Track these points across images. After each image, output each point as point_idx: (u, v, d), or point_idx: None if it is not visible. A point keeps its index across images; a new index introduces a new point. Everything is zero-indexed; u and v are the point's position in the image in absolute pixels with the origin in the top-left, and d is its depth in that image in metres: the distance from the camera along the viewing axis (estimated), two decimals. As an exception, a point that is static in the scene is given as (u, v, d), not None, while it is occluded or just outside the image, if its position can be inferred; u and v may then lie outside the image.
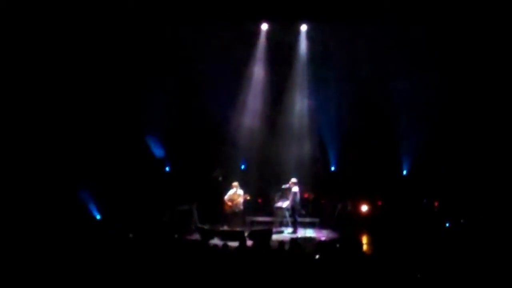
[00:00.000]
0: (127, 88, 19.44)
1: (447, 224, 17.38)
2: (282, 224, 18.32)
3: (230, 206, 17.71)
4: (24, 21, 17.34)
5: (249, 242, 13.41)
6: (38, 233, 13.38)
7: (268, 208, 19.54)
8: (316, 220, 19.10)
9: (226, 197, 17.83)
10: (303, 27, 20.78)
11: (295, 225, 17.81)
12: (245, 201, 17.93)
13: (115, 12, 18.09)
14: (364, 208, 19.45)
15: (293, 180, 17.97)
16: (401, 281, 8.51)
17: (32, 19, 17.41)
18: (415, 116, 19.38)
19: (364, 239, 16.42)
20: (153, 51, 19.39)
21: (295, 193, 17.81)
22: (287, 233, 17.62)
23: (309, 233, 17.59)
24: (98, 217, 17.98)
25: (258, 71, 21.04)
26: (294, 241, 10.95)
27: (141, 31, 18.94)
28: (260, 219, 19.15)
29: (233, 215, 17.70)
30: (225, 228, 17.14)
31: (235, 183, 17.96)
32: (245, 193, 17.89)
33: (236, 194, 17.79)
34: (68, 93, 18.35)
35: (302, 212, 18.42)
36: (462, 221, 17.50)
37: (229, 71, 20.12)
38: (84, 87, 18.65)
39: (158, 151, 20.67)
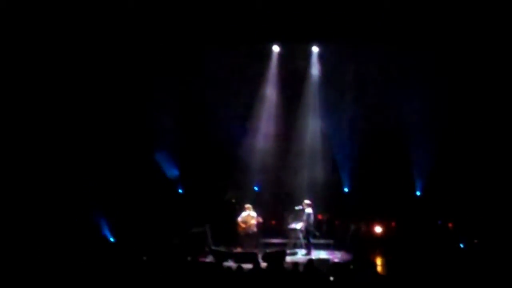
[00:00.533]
0: (141, 109, 19.57)
1: (461, 245, 17.26)
2: (296, 245, 18.26)
3: (244, 228, 17.71)
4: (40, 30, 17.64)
5: (263, 264, 13.44)
6: (52, 255, 13.42)
7: (281, 230, 19.51)
8: (330, 241, 19.06)
9: (239, 219, 17.83)
10: (315, 49, 20.88)
11: (309, 247, 17.78)
12: (259, 223, 17.92)
13: (129, 29, 18.28)
14: (378, 229, 19.39)
15: (306, 201, 17.96)
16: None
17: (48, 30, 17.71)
18: (427, 137, 19.34)
19: (378, 260, 16.36)
20: (167, 72, 19.51)
21: (308, 214, 17.79)
22: (301, 255, 17.57)
23: (323, 254, 17.53)
24: (112, 239, 18.01)
25: (271, 93, 21.12)
26: (309, 262, 10.90)
27: (156, 50, 19.09)
28: (274, 241, 19.14)
29: (246, 237, 17.68)
30: (239, 250, 17.12)
31: (248, 205, 17.97)
32: (258, 215, 17.90)
33: (249, 216, 17.79)
34: (81, 112, 18.52)
35: (316, 234, 18.37)
36: (476, 241, 17.40)
37: (242, 93, 20.32)
38: (98, 104, 18.80)
39: (171, 172, 20.72)
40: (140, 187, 19.25)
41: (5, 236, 15.31)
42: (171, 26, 18.41)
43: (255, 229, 17.84)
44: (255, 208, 18.04)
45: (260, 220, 17.92)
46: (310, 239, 17.91)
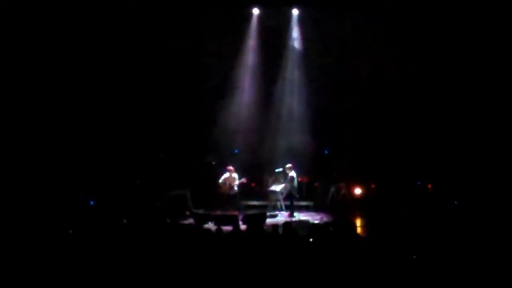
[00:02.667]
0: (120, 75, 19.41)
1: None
2: (276, 207, 18.31)
3: (225, 190, 17.70)
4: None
5: (243, 226, 13.45)
6: (30, 220, 13.31)
7: (261, 192, 19.56)
8: (310, 203, 19.16)
9: (220, 181, 17.82)
10: (295, 11, 20.72)
11: (291, 209, 17.83)
12: (242, 184, 17.93)
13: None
14: (358, 191, 19.47)
15: (289, 165, 17.97)
16: (396, 262, 8.50)
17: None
18: (407, 97, 19.41)
19: (358, 222, 16.45)
20: (143, 38, 19.35)
21: (292, 177, 17.81)
22: (281, 217, 17.62)
23: (303, 216, 17.60)
24: (92, 203, 17.90)
25: (251, 57, 20.97)
26: (287, 224, 10.90)
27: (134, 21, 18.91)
28: (254, 203, 19.18)
29: (227, 199, 17.70)
30: (219, 212, 17.13)
31: (230, 167, 17.93)
32: (240, 177, 17.88)
33: (231, 177, 17.78)
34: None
35: (296, 196, 18.41)
36: (456, 202, 17.52)
37: (222, 57, 20.15)
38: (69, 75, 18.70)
39: None
40: (120, 150, 19.16)
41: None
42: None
43: (236, 191, 17.85)
44: (236, 170, 18.02)
45: (245, 181, 17.94)
46: (293, 201, 17.97)
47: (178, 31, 19.49)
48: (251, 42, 20.88)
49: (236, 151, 20.54)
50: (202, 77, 20.14)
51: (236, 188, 17.82)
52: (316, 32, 20.05)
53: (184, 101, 20.27)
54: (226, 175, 17.85)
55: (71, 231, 11.05)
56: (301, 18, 20.80)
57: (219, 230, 10.99)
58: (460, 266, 8.44)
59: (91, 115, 18.95)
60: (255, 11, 20.71)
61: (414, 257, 8.75)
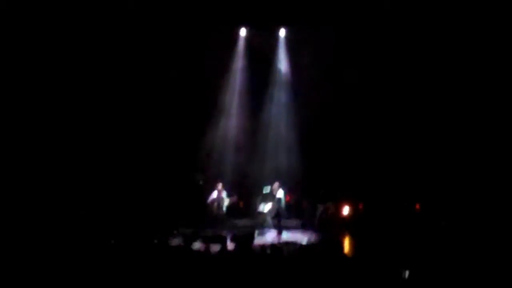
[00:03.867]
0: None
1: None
2: (264, 227, 18.31)
3: (213, 208, 17.68)
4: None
5: (231, 246, 13.43)
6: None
7: (249, 212, 19.56)
8: (298, 222, 19.18)
9: (209, 200, 17.81)
10: (282, 32, 20.85)
11: (279, 228, 17.84)
12: (233, 203, 17.94)
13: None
14: (346, 210, 19.49)
15: (276, 184, 18.02)
16: (383, 283, 8.54)
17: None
18: (395, 117, 19.58)
19: (346, 242, 16.48)
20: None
21: (279, 198, 17.85)
22: (269, 236, 17.61)
23: (290, 236, 17.60)
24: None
25: (238, 78, 21.12)
26: (275, 245, 10.93)
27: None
28: (242, 222, 19.17)
29: (215, 218, 17.67)
30: (207, 232, 17.10)
31: (219, 185, 17.94)
32: (230, 195, 17.89)
33: (219, 196, 17.79)
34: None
35: (284, 215, 18.42)
36: (443, 223, 17.60)
37: (209, 78, 20.23)
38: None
39: None
40: (108, 167, 19.18)
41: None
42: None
43: (224, 209, 17.84)
44: (224, 188, 18.05)
45: (235, 199, 17.94)
46: (280, 221, 17.99)
47: (166, 52, 19.53)
48: (239, 63, 20.99)
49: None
50: (188, 97, 20.10)
51: (224, 207, 17.82)
52: (303, 52, 20.15)
53: (172, 121, 20.23)
54: (215, 194, 17.86)
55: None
56: (288, 39, 20.93)
57: (207, 249, 10.99)
58: (449, 285, 8.50)
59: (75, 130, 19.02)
60: (242, 32, 20.83)
61: (403, 275, 8.79)
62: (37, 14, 17.60)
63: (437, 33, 18.69)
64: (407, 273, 8.68)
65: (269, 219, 18.14)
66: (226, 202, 17.74)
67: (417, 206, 19.34)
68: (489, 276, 8.97)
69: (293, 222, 19.24)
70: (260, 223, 18.34)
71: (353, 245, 15.95)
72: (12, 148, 17.54)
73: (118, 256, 10.43)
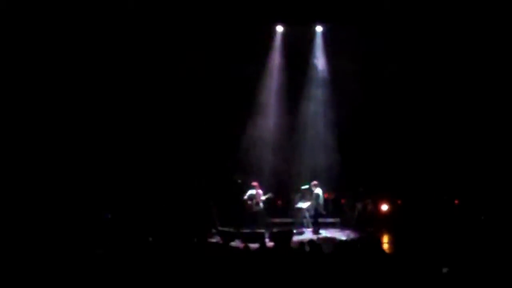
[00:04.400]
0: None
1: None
2: (302, 224, 18.32)
3: (250, 205, 17.73)
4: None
5: (270, 244, 13.47)
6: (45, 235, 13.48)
7: (288, 210, 19.59)
8: (337, 220, 19.15)
9: (245, 197, 17.86)
10: (319, 29, 20.79)
11: (317, 226, 17.83)
12: (267, 201, 17.94)
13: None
14: (385, 207, 19.42)
15: (314, 182, 18.00)
16: (423, 279, 8.47)
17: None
18: (431, 112, 19.43)
19: (385, 238, 16.40)
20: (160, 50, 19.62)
21: (317, 195, 17.83)
22: (308, 234, 17.62)
23: (329, 233, 17.59)
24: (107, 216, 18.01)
25: (276, 75, 21.07)
26: (314, 242, 10.92)
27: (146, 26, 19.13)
28: (280, 220, 19.20)
29: (253, 215, 17.71)
30: (246, 230, 17.16)
31: (255, 183, 17.99)
32: (266, 193, 17.91)
33: (256, 193, 17.81)
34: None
35: (323, 213, 18.40)
36: (483, 217, 17.41)
37: (248, 76, 20.24)
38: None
39: None
40: (146, 165, 19.40)
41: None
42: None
43: (261, 206, 17.87)
44: (261, 187, 18.08)
45: (272, 195, 17.94)
46: (317, 218, 17.98)
47: (204, 51, 19.60)
48: (276, 60, 20.99)
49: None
50: (229, 96, 20.17)
51: (261, 204, 17.85)
52: (340, 49, 20.06)
53: (212, 121, 20.33)
54: (252, 191, 17.91)
55: (98, 250, 11.14)
56: (325, 35, 20.87)
57: (246, 247, 11.03)
58: (488, 281, 8.40)
59: (119, 128, 19.33)
60: (279, 28, 20.81)
61: (443, 272, 8.71)
62: (38, 13, 17.72)
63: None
64: (446, 269, 8.60)
65: (307, 216, 18.14)
66: (262, 198, 17.74)
67: (456, 201, 19.16)
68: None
69: (332, 219, 19.20)
70: (299, 221, 18.37)
71: (392, 241, 15.88)
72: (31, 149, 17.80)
73: (157, 254, 10.52)
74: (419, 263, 9.21)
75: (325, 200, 18.76)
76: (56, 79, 18.45)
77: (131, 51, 19.09)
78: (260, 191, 17.88)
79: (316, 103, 20.93)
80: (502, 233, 14.22)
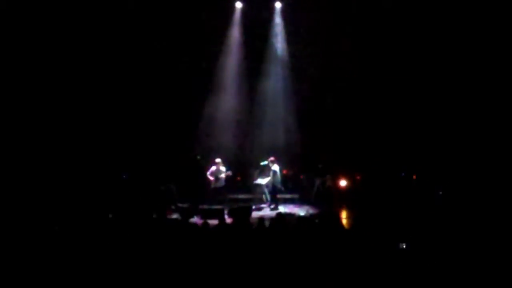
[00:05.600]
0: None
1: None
2: (262, 201, 18.35)
3: (214, 183, 17.68)
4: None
5: (229, 220, 13.46)
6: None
7: (247, 186, 19.61)
8: (296, 196, 19.23)
9: (208, 173, 17.79)
10: (278, 4, 20.71)
11: (275, 202, 17.87)
12: (226, 178, 17.90)
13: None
14: (343, 183, 19.55)
15: (271, 158, 17.99)
16: (381, 253, 8.55)
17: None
18: (387, 88, 19.60)
19: (344, 214, 16.52)
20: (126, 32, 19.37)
21: (274, 171, 17.84)
22: (267, 210, 17.66)
23: (288, 209, 17.64)
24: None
25: (234, 52, 20.98)
26: (274, 217, 10.93)
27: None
28: (240, 196, 19.22)
29: (214, 192, 17.68)
30: (205, 206, 17.11)
31: (218, 160, 17.91)
32: (227, 170, 17.87)
33: (218, 170, 17.75)
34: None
35: (282, 189, 18.45)
36: (440, 192, 17.65)
37: (206, 53, 20.16)
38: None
39: None
40: (107, 145, 19.20)
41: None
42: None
43: (223, 184, 17.84)
44: (222, 162, 18.04)
45: (230, 173, 17.89)
46: (276, 194, 18.01)
47: (162, 29, 19.42)
48: (235, 37, 20.92)
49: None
50: (187, 73, 20.03)
51: (223, 181, 17.81)
52: (298, 25, 20.04)
53: (170, 98, 20.17)
54: (214, 168, 17.85)
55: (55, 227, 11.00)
56: (284, 12, 20.79)
57: (205, 224, 10.99)
58: (446, 255, 8.51)
59: (77, 109, 19.02)
60: (238, 4, 20.67)
61: (400, 247, 8.81)
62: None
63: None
64: (403, 244, 8.70)
65: (266, 192, 18.17)
66: (223, 175, 17.70)
67: (414, 177, 19.40)
68: (485, 244, 8.98)
69: (290, 195, 19.28)
70: (258, 197, 18.39)
71: (350, 217, 16.01)
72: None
73: (117, 230, 10.44)
74: (377, 238, 9.30)
75: (284, 176, 18.81)
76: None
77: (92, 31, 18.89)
78: (223, 168, 17.82)
79: (276, 80, 20.95)
80: (460, 208, 14.44)
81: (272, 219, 10.77)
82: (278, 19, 21.00)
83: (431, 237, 9.83)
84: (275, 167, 17.88)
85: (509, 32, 17.55)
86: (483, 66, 18.10)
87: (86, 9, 18.45)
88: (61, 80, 18.67)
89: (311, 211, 16.99)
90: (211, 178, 17.68)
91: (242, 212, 15.38)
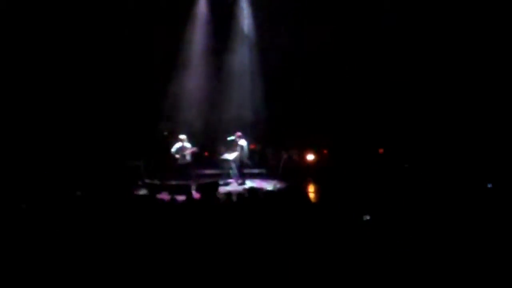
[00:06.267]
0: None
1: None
2: (229, 176, 18.41)
3: (178, 159, 17.69)
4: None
5: (197, 195, 13.51)
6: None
7: (214, 161, 19.63)
8: (263, 170, 19.34)
9: (173, 150, 17.79)
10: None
11: (243, 177, 17.96)
12: (193, 154, 17.92)
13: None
14: (310, 157, 19.66)
15: (238, 133, 18.03)
16: (348, 225, 8.67)
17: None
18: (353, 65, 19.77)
19: (310, 188, 16.66)
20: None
21: (242, 146, 17.90)
22: (234, 184, 17.75)
23: (256, 184, 17.73)
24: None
25: (200, 28, 20.91)
26: (241, 192, 11.04)
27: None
28: (207, 171, 19.26)
29: (180, 169, 17.69)
30: (173, 182, 17.12)
31: (183, 136, 17.89)
32: (192, 146, 17.87)
33: (183, 147, 17.75)
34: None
35: (249, 163, 18.53)
36: (406, 165, 17.88)
37: (171, 29, 20.08)
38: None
39: None
40: (73, 121, 19.08)
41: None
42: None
43: (189, 160, 17.85)
44: (188, 139, 18.01)
45: (195, 150, 17.90)
46: (243, 169, 18.10)
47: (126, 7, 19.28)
48: (199, 11, 20.79)
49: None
50: (152, 49, 19.91)
51: (188, 157, 17.82)
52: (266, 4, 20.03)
53: (136, 74, 20.02)
54: (179, 144, 17.82)
55: (22, 205, 10.92)
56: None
57: (172, 199, 11.03)
58: (410, 228, 8.64)
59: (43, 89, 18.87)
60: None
61: (365, 218, 8.92)
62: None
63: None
64: (367, 216, 8.82)
65: (234, 167, 18.23)
66: (188, 152, 17.70)
67: (380, 150, 19.60)
68: (451, 218, 9.13)
69: (258, 170, 19.38)
70: (225, 172, 18.45)
71: (317, 191, 16.15)
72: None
73: (84, 207, 10.41)
74: (341, 211, 9.41)
75: (251, 150, 18.88)
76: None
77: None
78: (187, 144, 17.82)
79: (243, 56, 20.95)
80: (426, 181, 14.63)
81: (240, 194, 10.86)
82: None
83: (396, 209, 9.96)
84: (242, 142, 17.94)
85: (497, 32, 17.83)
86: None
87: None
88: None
89: (278, 185, 17.10)
90: (176, 155, 17.70)
91: (209, 187, 15.43)
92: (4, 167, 16.45)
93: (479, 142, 17.18)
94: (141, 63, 19.87)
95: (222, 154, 18.70)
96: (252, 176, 18.71)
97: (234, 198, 10.90)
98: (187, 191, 13.85)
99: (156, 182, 17.27)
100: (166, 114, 20.06)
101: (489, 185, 12.37)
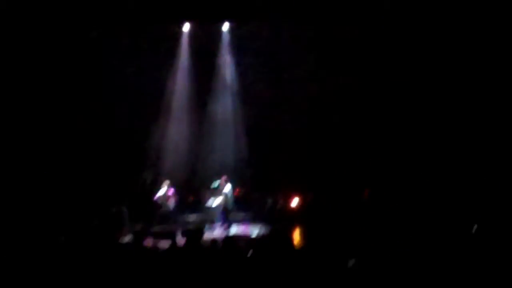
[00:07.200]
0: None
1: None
2: (214, 222, 18.34)
3: (160, 205, 17.65)
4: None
5: (181, 242, 13.43)
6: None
7: (199, 206, 19.57)
8: (248, 215, 19.29)
9: (156, 197, 17.75)
10: (225, 27, 20.81)
11: (228, 223, 17.91)
12: (175, 198, 17.88)
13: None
14: (295, 201, 19.62)
15: (224, 177, 18.06)
16: (334, 272, 8.65)
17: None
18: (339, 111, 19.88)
19: (296, 234, 16.60)
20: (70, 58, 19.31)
21: (226, 194, 17.93)
22: (219, 231, 17.68)
23: (240, 229, 17.68)
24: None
25: (182, 76, 21.08)
26: (226, 239, 10.98)
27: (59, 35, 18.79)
28: (192, 218, 19.17)
29: (164, 214, 17.64)
30: (157, 229, 17.05)
31: (167, 182, 17.88)
32: (176, 192, 17.87)
33: (165, 192, 17.73)
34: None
35: (234, 209, 18.51)
36: (392, 208, 17.87)
37: (155, 77, 20.15)
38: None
39: None
40: (55, 164, 18.97)
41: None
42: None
43: (172, 206, 17.80)
44: (172, 185, 17.99)
45: (173, 192, 17.88)
46: (228, 215, 18.06)
47: (111, 50, 19.34)
48: (183, 59, 20.93)
49: None
50: (136, 97, 19.98)
51: (172, 203, 17.79)
52: (247, 46, 20.22)
53: (120, 121, 20.09)
54: (163, 190, 17.80)
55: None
56: (232, 34, 20.92)
57: (155, 246, 10.97)
58: (399, 272, 8.64)
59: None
60: (185, 27, 20.65)
61: (352, 263, 8.91)
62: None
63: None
64: (352, 261, 8.80)
65: (218, 214, 18.18)
66: (172, 198, 17.71)
67: (366, 193, 19.59)
68: (436, 261, 9.13)
69: (242, 215, 19.33)
70: (210, 218, 18.39)
71: (302, 236, 16.09)
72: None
73: (68, 254, 10.33)
74: (326, 257, 9.39)
75: (235, 196, 18.87)
76: None
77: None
78: (171, 190, 17.81)
79: (225, 102, 21.06)
80: (411, 224, 14.62)
81: (224, 241, 10.82)
82: (226, 40, 21.08)
83: (380, 253, 9.95)
84: (227, 188, 17.95)
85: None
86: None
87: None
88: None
89: (263, 230, 17.03)
90: (159, 202, 17.68)
91: (194, 233, 15.32)
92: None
93: (466, 182, 17.28)
94: (125, 111, 19.89)
95: (206, 200, 18.66)
96: (238, 221, 18.64)
97: (219, 244, 10.85)
98: (171, 237, 13.78)
99: (141, 228, 17.18)
100: (149, 161, 20.04)
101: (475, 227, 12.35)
